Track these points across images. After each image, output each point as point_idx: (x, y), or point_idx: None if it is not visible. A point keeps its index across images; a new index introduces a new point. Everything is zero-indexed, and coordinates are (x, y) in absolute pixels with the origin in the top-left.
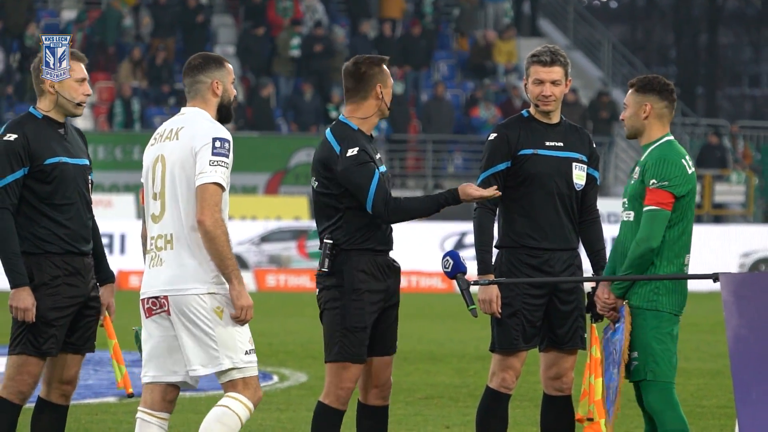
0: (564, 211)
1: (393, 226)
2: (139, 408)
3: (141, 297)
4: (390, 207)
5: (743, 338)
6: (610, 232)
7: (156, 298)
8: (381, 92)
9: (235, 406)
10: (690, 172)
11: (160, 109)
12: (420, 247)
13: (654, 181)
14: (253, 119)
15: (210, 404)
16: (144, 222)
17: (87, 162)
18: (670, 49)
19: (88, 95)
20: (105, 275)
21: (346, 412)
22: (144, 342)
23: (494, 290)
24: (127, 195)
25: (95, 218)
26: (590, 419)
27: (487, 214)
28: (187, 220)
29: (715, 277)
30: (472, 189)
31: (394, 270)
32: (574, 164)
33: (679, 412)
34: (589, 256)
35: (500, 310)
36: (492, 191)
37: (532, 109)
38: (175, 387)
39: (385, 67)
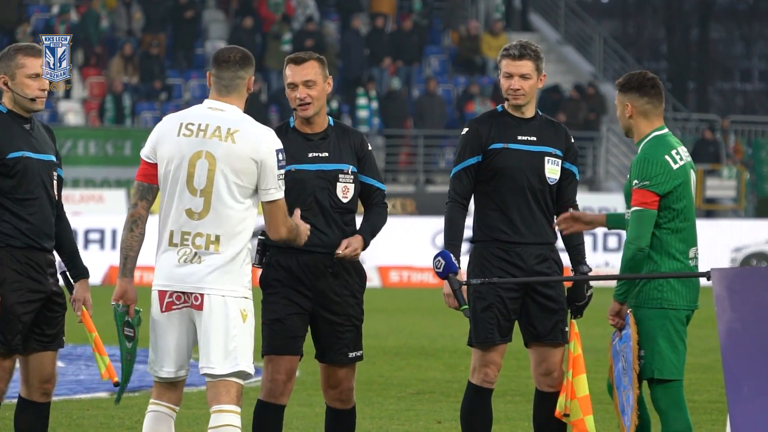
0: (537, 205)
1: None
2: (153, 401)
3: (160, 289)
4: None
5: (735, 333)
6: (600, 228)
7: (184, 293)
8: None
9: (236, 422)
10: (676, 166)
11: (151, 104)
12: (411, 243)
13: (636, 181)
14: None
15: (201, 399)
16: (139, 201)
17: (53, 158)
18: (662, 44)
19: (45, 90)
20: (79, 271)
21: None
22: (157, 335)
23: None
24: (118, 190)
25: (66, 214)
26: (566, 415)
27: (458, 209)
28: (234, 225)
29: (708, 275)
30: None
31: (320, 272)
32: (546, 158)
33: (685, 413)
34: (567, 251)
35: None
36: None
37: (506, 104)
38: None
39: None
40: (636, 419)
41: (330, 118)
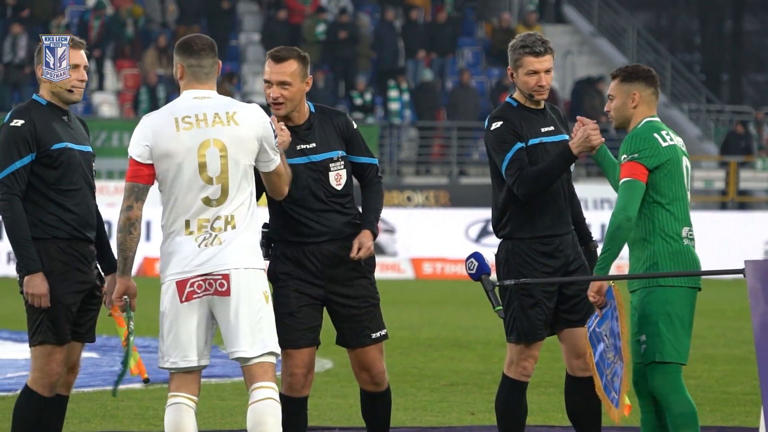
0: (564, 194)
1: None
2: (174, 393)
3: (179, 279)
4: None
5: None
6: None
7: (208, 276)
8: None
9: (276, 396)
10: (665, 144)
11: None
12: (444, 234)
13: (625, 156)
14: None
15: (235, 390)
16: (135, 203)
17: (91, 149)
18: (695, 35)
19: (83, 81)
20: (110, 264)
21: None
22: (178, 326)
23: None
24: None
25: (98, 206)
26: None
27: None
28: (247, 202)
29: (744, 272)
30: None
31: (328, 259)
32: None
33: (685, 394)
34: (575, 229)
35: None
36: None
37: (518, 97)
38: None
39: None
40: (628, 385)
41: (311, 104)
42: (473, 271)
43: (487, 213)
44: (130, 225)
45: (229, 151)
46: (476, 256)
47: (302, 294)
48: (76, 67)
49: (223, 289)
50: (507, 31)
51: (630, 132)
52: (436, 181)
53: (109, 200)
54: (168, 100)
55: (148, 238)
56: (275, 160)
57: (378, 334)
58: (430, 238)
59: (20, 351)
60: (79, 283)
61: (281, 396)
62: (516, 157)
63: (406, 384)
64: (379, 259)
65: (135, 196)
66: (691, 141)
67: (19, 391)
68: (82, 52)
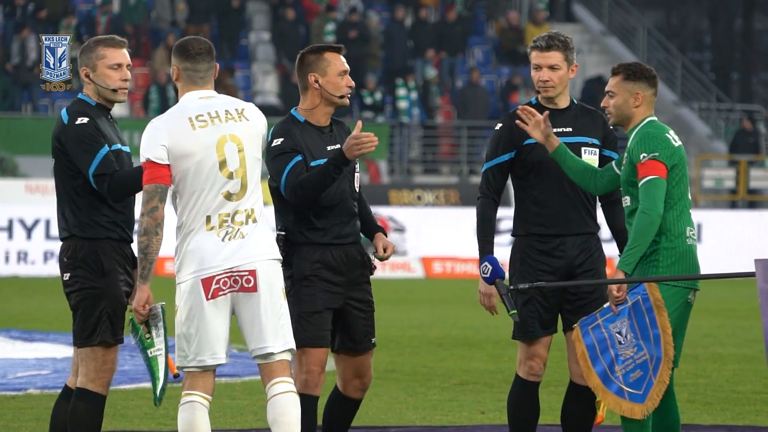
0: (576, 196)
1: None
2: (189, 392)
3: (204, 276)
4: (291, 189)
5: None
6: None
7: (234, 272)
8: (317, 81)
9: (295, 390)
10: (676, 144)
11: None
12: (454, 234)
13: (644, 155)
14: (285, 106)
15: (245, 389)
16: (159, 204)
17: (129, 150)
18: (705, 34)
19: (127, 80)
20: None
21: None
22: (205, 323)
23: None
24: None
25: None
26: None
27: (489, 204)
28: (259, 195)
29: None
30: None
31: (353, 262)
32: (583, 149)
33: (671, 401)
34: (614, 237)
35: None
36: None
37: (540, 96)
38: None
39: (326, 55)
40: (665, 382)
41: None
42: (487, 275)
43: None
44: (156, 226)
45: (245, 145)
46: (490, 259)
47: (328, 296)
48: (119, 66)
49: (250, 285)
50: (517, 30)
51: (637, 131)
52: (446, 180)
53: None
54: (177, 99)
55: None
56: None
57: (374, 340)
58: (440, 237)
59: (30, 350)
60: (127, 285)
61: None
62: (490, 172)
63: (416, 383)
64: (389, 258)
65: (159, 197)
66: (701, 140)
67: (27, 391)
68: (124, 51)
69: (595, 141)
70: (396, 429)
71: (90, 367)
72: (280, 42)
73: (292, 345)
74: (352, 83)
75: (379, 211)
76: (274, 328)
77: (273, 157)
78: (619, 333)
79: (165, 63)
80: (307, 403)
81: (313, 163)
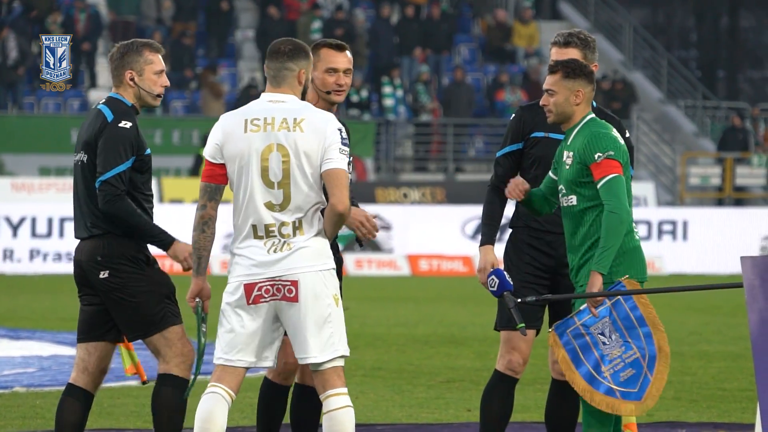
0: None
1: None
2: (214, 384)
3: (248, 281)
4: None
5: (766, 321)
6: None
7: (276, 282)
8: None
9: (350, 403)
10: (621, 143)
11: (181, 93)
12: (441, 231)
13: (599, 154)
14: None
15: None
16: (208, 203)
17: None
18: (691, 32)
19: (166, 86)
20: None
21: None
22: (242, 325)
23: (489, 257)
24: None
25: None
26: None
27: (494, 192)
28: (312, 208)
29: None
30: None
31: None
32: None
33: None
34: None
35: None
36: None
37: None
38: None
39: (322, 50)
40: (663, 379)
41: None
42: (495, 288)
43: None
44: (203, 224)
45: (291, 157)
46: (497, 273)
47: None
48: (160, 72)
49: (291, 295)
50: (503, 27)
51: (581, 130)
52: (432, 177)
53: None
54: (163, 97)
55: None
56: (334, 162)
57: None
58: (426, 235)
59: (16, 348)
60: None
61: (266, 380)
62: (499, 161)
63: (402, 381)
64: (375, 256)
65: (208, 196)
66: (687, 137)
67: (14, 389)
68: (161, 57)
69: None
70: (382, 427)
71: (173, 353)
72: (266, 40)
73: (344, 352)
74: (342, 81)
75: (366, 209)
76: (319, 338)
77: None
78: (602, 334)
79: None
80: (280, 391)
81: None
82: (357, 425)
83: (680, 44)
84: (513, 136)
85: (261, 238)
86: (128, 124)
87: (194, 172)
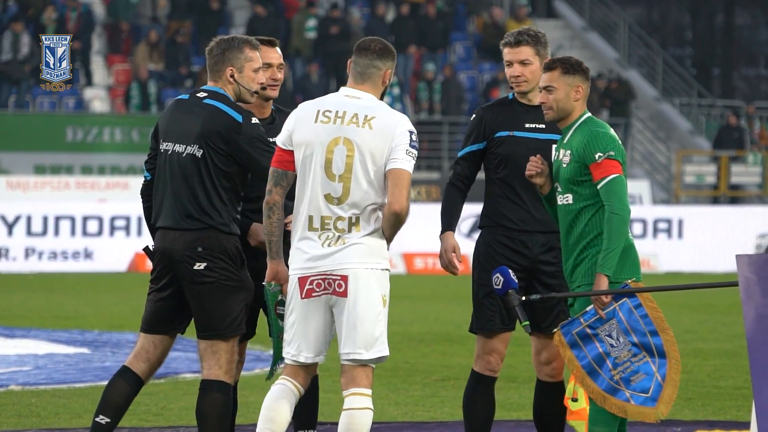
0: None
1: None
2: (285, 378)
3: (301, 275)
4: None
5: (761, 319)
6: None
7: (327, 276)
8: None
9: (372, 406)
10: (619, 141)
11: (176, 91)
12: (436, 229)
13: (600, 154)
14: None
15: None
16: (274, 188)
17: None
18: (686, 30)
19: (262, 84)
20: None
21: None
22: (296, 321)
23: (450, 241)
24: (143, 177)
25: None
26: (574, 400)
27: (453, 189)
28: (372, 206)
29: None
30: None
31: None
32: (554, 147)
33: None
34: None
35: (456, 264)
36: None
37: (515, 92)
38: None
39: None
40: (676, 381)
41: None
42: (499, 287)
43: (478, 208)
44: (269, 210)
45: (356, 152)
46: (502, 271)
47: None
48: (257, 70)
49: (341, 290)
50: (498, 26)
51: (580, 129)
52: (426, 176)
53: (100, 196)
54: (159, 95)
55: (139, 233)
56: (399, 162)
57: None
58: (421, 233)
59: (11, 347)
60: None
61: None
62: (460, 160)
63: (398, 379)
64: None
65: (274, 181)
66: (682, 135)
67: (9, 387)
68: (259, 54)
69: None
70: (378, 425)
71: (224, 360)
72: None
73: (381, 354)
74: (277, 76)
75: None
76: (371, 336)
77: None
78: (609, 336)
79: (146, 59)
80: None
81: None
82: None
83: (675, 42)
84: (475, 136)
85: (316, 230)
86: (257, 119)
87: None
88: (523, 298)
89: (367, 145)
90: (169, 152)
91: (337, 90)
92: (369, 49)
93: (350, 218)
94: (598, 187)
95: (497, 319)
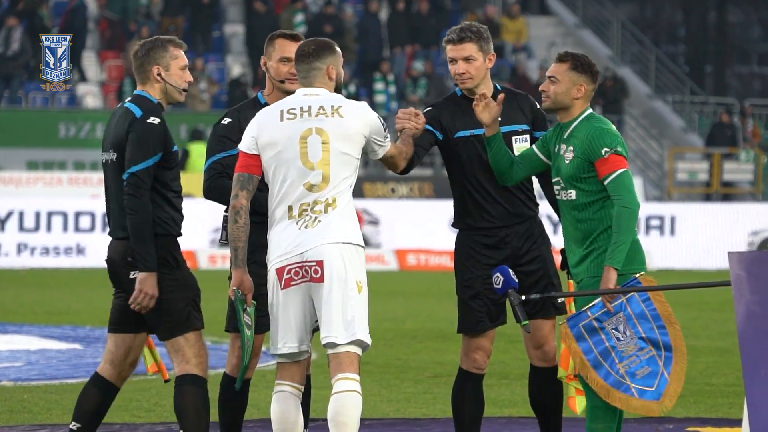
0: (519, 186)
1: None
2: (279, 382)
3: (278, 266)
4: (208, 185)
5: (753, 316)
6: None
7: (304, 263)
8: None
9: (359, 389)
10: (621, 137)
11: None
12: (428, 226)
13: (606, 149)
14: None
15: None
16: (240, 192)
17: None
18: (679, 27)
19: (191, 82)
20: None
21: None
22: (278, 312)
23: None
24: None
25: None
26: (577, 375)
27: None
28: (346, 187)
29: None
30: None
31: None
32: (513, 138)
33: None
34: (557, 212)
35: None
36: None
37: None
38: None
39: (276, 41)
40: (681, 377)
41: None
42: (499, 286)
43: None
44: (236, 214)
45: (331, 139)
46: (502, 270)
47: (264, 280)
48: (184, 67)
49: (317, 276)
50: (491, 23)
51: (582, 125)
52: (419, 172)
53: (93, 191)
54: None
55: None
56: (384, 147)
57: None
58: (414, 230)
59: (4, 342)
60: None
61: (225, 375)
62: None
63: (390, 375)
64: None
65: (240, 185)
66: (675, 132)
67: (1, 383)
68: (183, 52)
69: (525, 126)
70: (370, 421)
71: (191, 354)
72: (250, 34)
73: (363, 338)
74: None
75: (355, 204)
76: (342, 319)
77: (213, 134)
78: (616, 329)
79: None
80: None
81: None
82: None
83: (668, 39)
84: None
85: (293, 217)
86: (156, 120)
87: (181, 166)
88: (523, 297)
89: (341, 129)
90: (102, 162)
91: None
92: (304, 53)
93: (327, 200)
94: (606, 182)
95: (486, 319)
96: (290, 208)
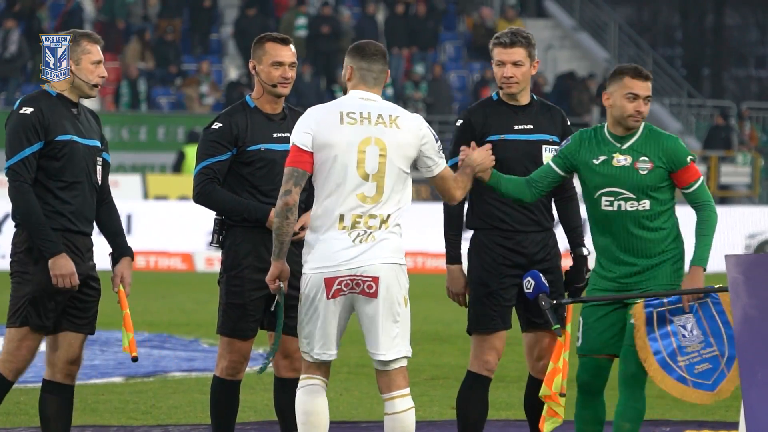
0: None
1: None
2: (308, 376)
3: (328, 275)
4: (199, 191)
5: (750, 320)
6: None
7: (356, 276)
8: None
9: (412, 403)
10: None
11: (166, 89)
12: (425, 229)
13: (690, 157)
14: None
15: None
16: (293, 188)
17: (98, 144)
18: (677, 30)
19: (104, 77)
20: (121, 250)
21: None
22: (324, 321)
23: (461, 281)
24: (133, 175)
25: (112, 197)
26: (563, 395)
27: (452, 206)
28: (401, 204)
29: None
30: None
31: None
32: (544, 147)
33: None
34: (566, 234)
35: (464, 300)
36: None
37: (501, 92)
38: None
39: (266, 45)
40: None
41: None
42: (530, 290)
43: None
44: (287, 210)
45: (388, 151)
46: (533, 275)
47: (256, 284)
48: (98, 63)
49: (371, 291)
50: (488, 26)
51: (650, 134)
52: (417, 175)
53: None
54: (149, 93)
55: (129, 231)
56: (439, 164)
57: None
58: (410, 233)
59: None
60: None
61: (216, 378)
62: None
63: None
64: None
65: (294, 181)
66: None
67: None
68: (99, 48)
69: (555, 138)
70: (366, 424)
71: (7, 348)
72: (244, 37)
73: (408, 353)
74: (288, 74)
75: None
76: (391, 337)
77: (204, 139)
78: (683, 327)
79: (136, 57)
80: (230, 387)
81: (251, 148)
82: (341, 423)
83: (665, 42)
84: (465, 142)
85: (346, 228)
86: (28, 110)
87: (177, 168)
88: (554, 302)
89: (397, 143)
90: None
91: (327, 88)
92: (379, 53)
93: (382, 216)
94: (692, 188)
95: (498, 318)
96: (342, 217)
